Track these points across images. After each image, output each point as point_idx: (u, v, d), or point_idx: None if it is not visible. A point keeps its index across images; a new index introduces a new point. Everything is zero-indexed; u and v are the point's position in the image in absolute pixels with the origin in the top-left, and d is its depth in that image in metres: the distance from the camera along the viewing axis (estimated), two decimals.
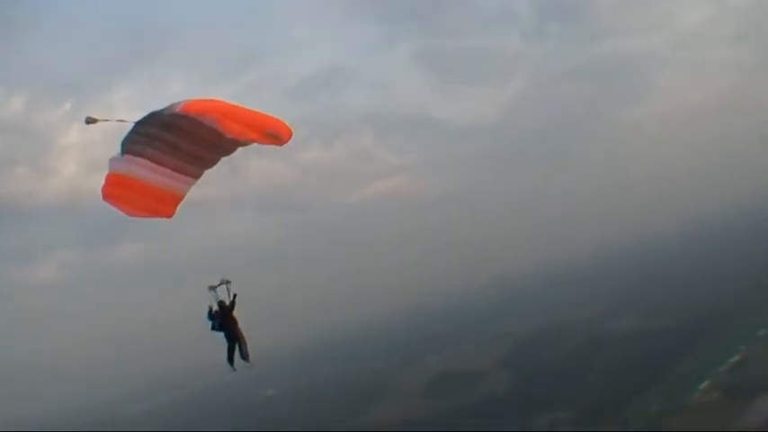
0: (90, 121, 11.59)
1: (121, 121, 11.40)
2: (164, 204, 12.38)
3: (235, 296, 14.83)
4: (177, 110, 10.82)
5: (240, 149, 11.94)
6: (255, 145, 11.46)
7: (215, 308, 14.92)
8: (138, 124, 11.25)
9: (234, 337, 14.96)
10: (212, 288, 14.78)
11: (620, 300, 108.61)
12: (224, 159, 11.99)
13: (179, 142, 11.53)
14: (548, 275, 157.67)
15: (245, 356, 14.90)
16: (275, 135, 11.49)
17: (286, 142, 11.68)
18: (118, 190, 11.97)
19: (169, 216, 12.69)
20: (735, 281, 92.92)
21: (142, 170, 11.72)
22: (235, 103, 11.36)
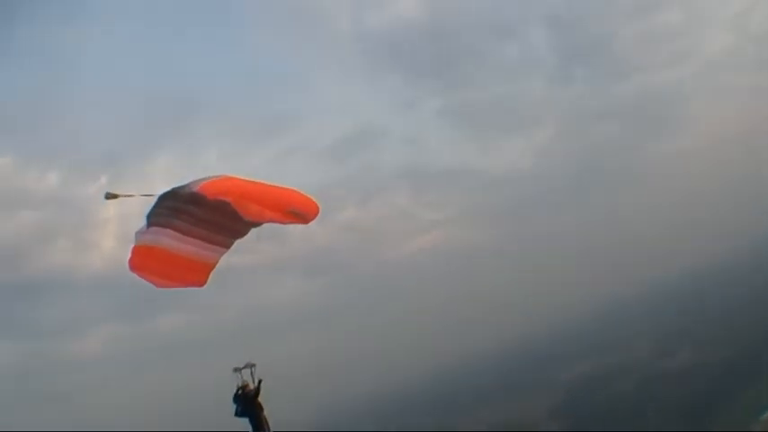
0: (110, 196, 11.42)
1: (145, 195, 11.26)
2: (195, 273, 11.91)
3: (260, 382, 14.16)
4: (196, 190, 10.67)
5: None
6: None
7: (239, 390, 14.27)
8: (162, 198, 11.05)
9: (258, 425, 14.24)
10: (237, 370, 14.28)
11: (668, 336, 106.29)
12: (257, 229, 11.55)
13: (205, 214, 11.15)
14: (592, 318, 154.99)
15: None
16: (299, 213, 11.14)
17: (312, 220, 11.32)
18: (146, 261, 11.59)
19: (201, 285, 12.09)
20: None
21: (170, 240, 11.41)
22: (261, 178, 11.04)
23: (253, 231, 11.70)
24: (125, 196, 11.38)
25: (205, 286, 12.11)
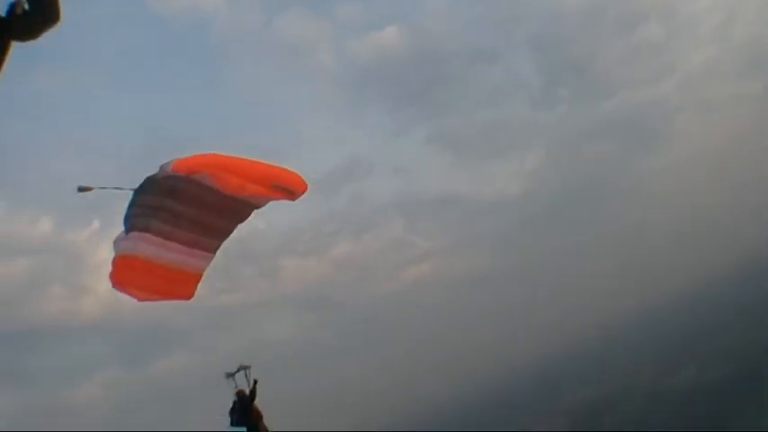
0: (83, 189, 10.50)
1: (118, 188, 10.31)
2: (181, 285, 10.99)
3: (255, 382, 13.10)
4: (170, 170, 9.78)
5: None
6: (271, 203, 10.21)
7: (234, 398, 13.23)
8: (137, 193, 10.19)
9: None
10: (230, 375, 13.17)
11: (669, 357, 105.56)
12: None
13: (184, 210, 10.33)
14: (591, 342, 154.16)
15: None
16: (285, 188, 10.37)
17: (300, 195, 10.52)
18: (127, 274, 10.57)
19: (189, 297, 11.22)
20: None
21: (151, 247, 10.36)
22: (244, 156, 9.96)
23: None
24: (99, 188, 10.39)
25: (192, 298, 11.18)
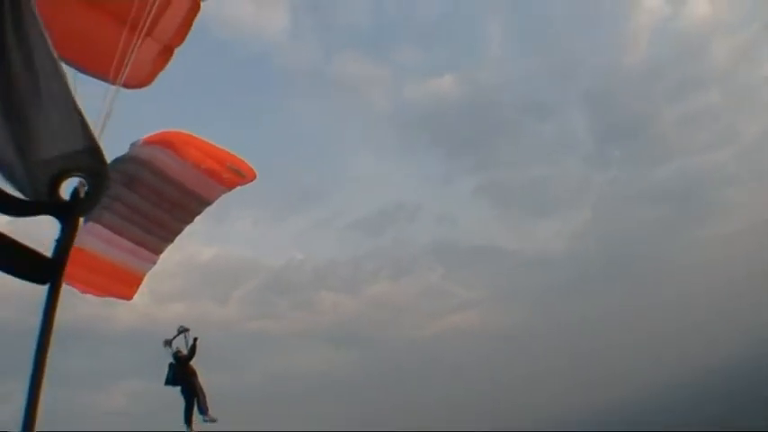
0: None
1: None
2: (123, 285, 11.17)
3: (195, 340, 13.03)
4: (139, 143, 10.15)
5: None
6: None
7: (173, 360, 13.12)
8: None
9: (192, 392, 13.13)
10: (167, 343, 13.07)
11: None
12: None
13: (139, 204, 10.48)
14: (618, 414, 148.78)
15: (204, 410, 13.21)
16: (238, 170, 10.77)
17: (250, 181, 10.94)
18: (74, 269, 10.06)
19: (129, 298, 11.39)
20: None
21: (98, 243, 10.49)
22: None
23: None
24: None
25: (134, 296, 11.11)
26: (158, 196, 10.44)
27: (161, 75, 7.61)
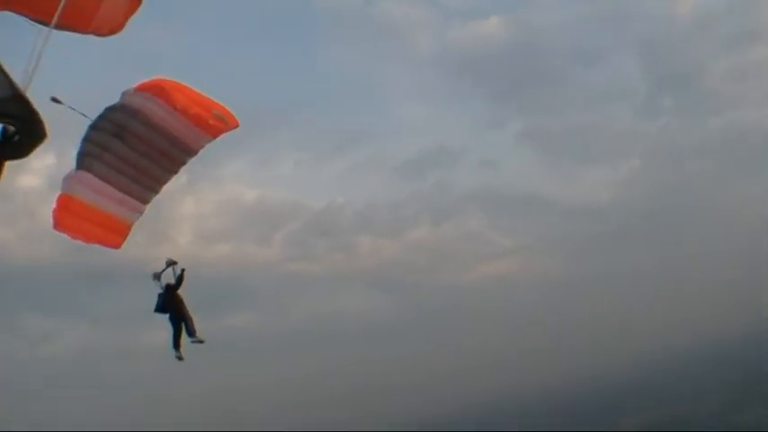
0: (55, 100, 10.39)
1: (82, 114, 10.68)
2: (112, 233, 11.53)
3: (183, 271, 13.38)
4: (131, 90, 10.51)
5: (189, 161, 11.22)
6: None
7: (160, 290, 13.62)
8: (91, 128, 10.74)
9: (180, 317, 13.62)
10: (156, 276, 13.48)
11: (736, 393, 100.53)
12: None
13: (128, 154, 10.79)
14: (661, 365, 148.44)
15: (191, 333, 13.72)
16: (222, 117, 11.13)
17: (233, 128, 11.28)
18: (66, 216, 11.15)
19: (118, 247, 11.80)
20: None
21: (88, 192, 10.89)
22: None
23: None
24: (68, 107, 10.63)
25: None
26: (147, 146, 10.73)
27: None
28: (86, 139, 10.82)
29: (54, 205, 10.98)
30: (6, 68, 3.37)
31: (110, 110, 10.57)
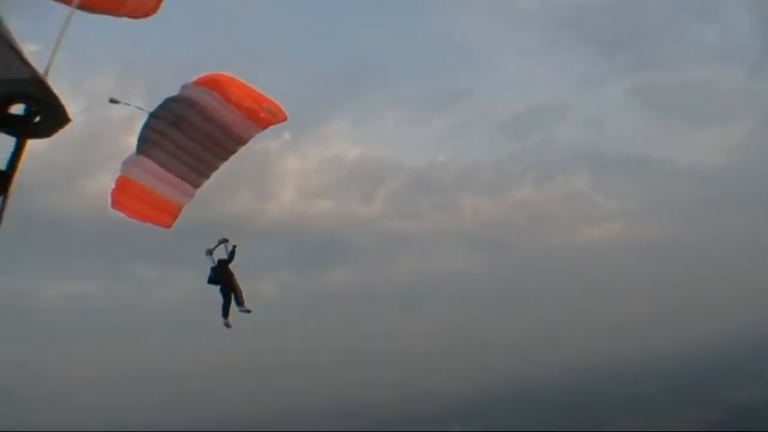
0: (113, 101, 11.25)
1: (139, 108, 11.31)
2: (164, 214, 12.14)
3: (234, 247, 14.06)
4: (190, 83, 10.96)
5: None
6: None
7: (214, 263, 14.21)
8: (151, 116, 11.21)
9: (230, 289, 14.26)
10: (209, 252, 14.14)
11: None
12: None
13: (185, 142, 11.32)
14: (763, 339, 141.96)
15: (240, 303, 14.31)
16: (272, 111, 11.57)
17: (281, 121, 11.68)
18: (124, 197, 11.70)
19: (168, 226, 12.38)
20: None
21: (146, 175, 11.48)
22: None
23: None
24: (124, 104, 11.55)
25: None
26: (202, 135, 11.32)
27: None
28: (146, 126, 11.39)
29: (114, 186, 11.70)
30: (24, 53, 3.45)
31: (169, 101, 11.13)
